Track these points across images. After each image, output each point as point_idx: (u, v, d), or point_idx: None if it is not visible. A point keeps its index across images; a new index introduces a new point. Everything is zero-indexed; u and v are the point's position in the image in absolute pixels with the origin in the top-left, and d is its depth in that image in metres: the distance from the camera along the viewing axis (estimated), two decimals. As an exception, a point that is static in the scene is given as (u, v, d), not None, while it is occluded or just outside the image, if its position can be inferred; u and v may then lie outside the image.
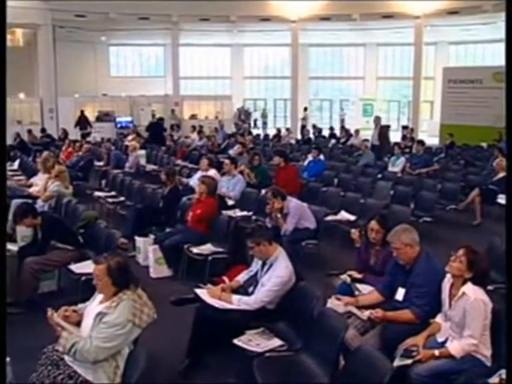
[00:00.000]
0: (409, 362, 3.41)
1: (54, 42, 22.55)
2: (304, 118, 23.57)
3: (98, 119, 23.53)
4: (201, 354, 4.24)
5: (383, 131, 14.72)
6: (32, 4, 20.81)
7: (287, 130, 20.77)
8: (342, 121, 24.06)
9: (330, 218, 7.33)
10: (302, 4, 22.24)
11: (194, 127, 19.16)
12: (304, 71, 26.79)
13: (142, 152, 13.11)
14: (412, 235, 4.02)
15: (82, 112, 21.18)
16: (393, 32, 24.75)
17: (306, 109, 23.63)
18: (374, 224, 4.62)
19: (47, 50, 22.25)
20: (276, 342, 3.86)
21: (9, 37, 26.20)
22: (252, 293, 4.23)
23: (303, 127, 22.47)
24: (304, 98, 26.36)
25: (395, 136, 20.82)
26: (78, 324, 3.49)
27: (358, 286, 4.50)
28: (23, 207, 5.75)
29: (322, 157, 11.33)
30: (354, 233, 5.10)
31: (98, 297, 3.50)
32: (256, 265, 4.42)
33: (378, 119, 15.16)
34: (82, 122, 20.82)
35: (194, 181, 8.45)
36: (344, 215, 7.60)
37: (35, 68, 23.90)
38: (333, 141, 18.20)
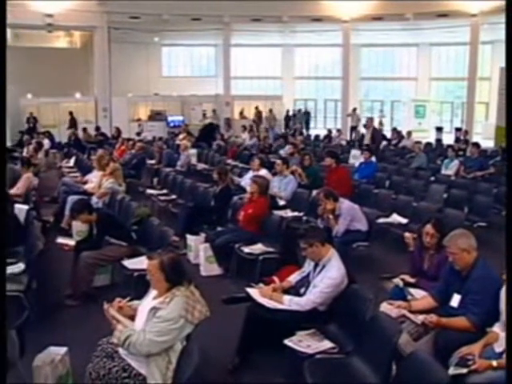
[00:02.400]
0: (464, 371, 3.30)
1: (109, 43, 23.11)
2: (350, 116, 23.28)
3: (150, 118, 23.99)
4: (250, 353, 4.26)
5: (376, 133, 14.47)
6: (89, 7, 21.38)
7: (338, 130, 20.58)
8: (381, 122, 23.58)
9: (381, 220, 7.24)
10: (354, 4, 21.98)
11: (244, 127, 19.24)
12: (355, 72, 26.48)
13: (194, 151, 13.26)
14: (469, 240, 3.91)
15: (71, 113, 21.60)
16: (447, 31, 24.11)
17: (354, 110, 23.37)
18: (429, 228, 4.53)
19: (102, 51, 22.84)
20: (327, 344, 3.83)
21: (67, 39, 27.16)
22: (303, 294, 4.21)
23: (353, 128, 22.20)
24: (354, 98, 26.06)
25: (448, 138, 20.38)
26: (131, 318, 3.55)
27: (411, 290, 4.41)
28: (80, 203, 5.90)
29: (373, 158, 11.19)
30: (408, 236, 5.01)
31: (152, 293, 3.55)
32: (308, 266, 4.40)
33: (370, 120, 14.93)
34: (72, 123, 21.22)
35: (245, 180, 8.49)
36: (396, 218, 7.49)
37: (91, 68, 24.59)
38: (384, 142, 17.92)
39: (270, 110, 24.24)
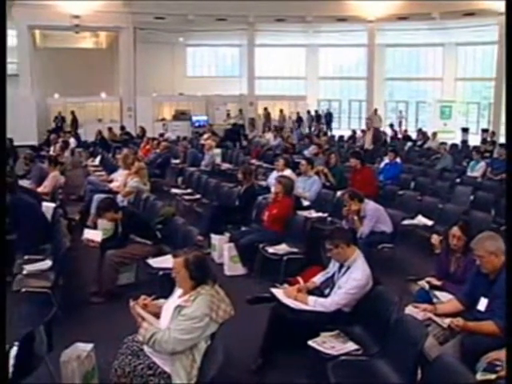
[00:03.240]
0: (492, 377, 3.25)
1: (135, 43, 23.35)
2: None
3: (175, 118, 24.15)
4: (274, 353, 4.25)
5: (377, 134, 14.14)
6: (115, 8, 21.63)
7: (362, 131, 20.41)
8: (400, 123, 23.33)
9: (406, 222, 7.15)
10: (380, 4, 21.84)
11: (268, 127, 19.23)
12: (380, 72, 26.29)
13: (218, 151, 13.27)
14: (498, 243, 3.84)
15: (73, 112, 21.74)
16: (474, 30, 23.76)
17: (376, 111, 23.20)
18: (455, 230, 4.47)
19: (128, 52, 23.09)
20: (351, 346, 3.81)
21: (93, 39, 27.51)
22: (328, 295, 4.20)
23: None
24: (379, 99, 25.89)
25: (474, 139, 20.08)
26: (156, 316, 3.58)
27: (437, 293, 4.36)
28: (106, 202, 5.95)
29: (398, 159, 11.09)
30: (435, 238, 4.95)
31: (177, 291, 3.57)
32: (333, 267, 4.39)
33: (370, 121, 14.66)
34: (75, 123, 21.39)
35: (270, 181, 8.49)
36: (421, 220, 7.42)
37: (116, 68, 24.86)
38: (409, 143, 17.76)
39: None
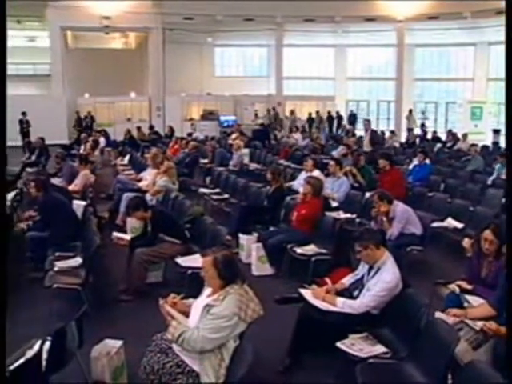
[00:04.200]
0: None
1: (164, 43, 23.57)
2: (409, 120, 22.83)
3: (203, 118, 24.28)
4: (301, 354, 4.24)
5: (374, 136, 13.88)
6: (144, 9, 21.86)
7: (391, 132, 20.23)
8: (423, 125, 22.99)
9: (436, 224, 7.07)
10: (409, 3, 21.59)
11: (297, 127, 19.19)
12: (409, 72, 25.99)
13: (246, 151, 13.27)
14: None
15: (78, 113, 21.71)
16: (507, 30, 23.31)
17: (411, 111, 22.93)
18: (488, 234, 4.39)
19: (157, 52, 23.32)
20: (380, 349, 3.78)
21: (122, 40, 27.87)
22: (357, 296, 4.17)
23: (410, 130, 21.78)
24: (408, 99, 25.60)
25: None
26: (185, 315, 3.60)
27: (468, 297, 4.29)
28: (136, 200, 6.00)
29: (428, 161, 10.94)
30: (466, 242, 4.87)
31: (207, 291, 3.59)
32: (362, 268, 4.35)
33: (368, 122, 14.33)
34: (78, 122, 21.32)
35: (299, 181, 8.47)
36: (451, 222, 7.31)
37: (145, 69, 25.13)
38: (438, 145, 17.53)
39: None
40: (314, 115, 24.51)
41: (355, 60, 29.55)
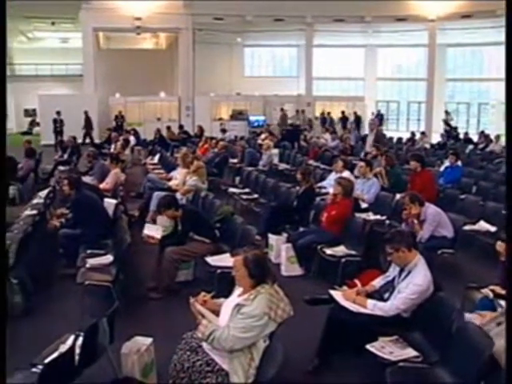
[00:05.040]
0: None
1: (193, 44, 23.74)
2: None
3: (232, 117, 24.37)
4: (330, 355, 4.22)
5: (379, 136, 13.37)
6: (175, 10, 22.05)
7: (422, 133, 19.96)
8: (448, 125, 22.58)
9: (468, 227, 6.94)
10: (442, 2, 21.28)
11: (326, 128, 19.11)
12: (440, 73, 25.62)
13: (276, 151, 13.26)
14: None
15: (86, 113, 20.75)
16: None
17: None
18: (522, 237, 4.29)
19: (187, 52, 23.50)
20: (410, 352, 3.73)
21: (153, 40, 28.18)
22: (388, 299, 4.13)
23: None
24: (439, 100, 25.25)
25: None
26: (215, 314, 3.61)
27: (502, 302, 4.21)
28: (168, 199, 6.04)
29: (459, 163, 10.77)
30: (500, 245, 4.77)
31: (237, 290, 3.61)
32: (393, 270, 4.31)
33: (374, 122, 13.96)
34: (88, 124, 20.76)
35: (329, 182, 8.42)
36: (483, 225, 7.16)
37: (175, 69, 25.37)
38: (470, 146, 17.24)
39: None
40: (347, 115, 24.42)
41: (385, 60, 29.32)
